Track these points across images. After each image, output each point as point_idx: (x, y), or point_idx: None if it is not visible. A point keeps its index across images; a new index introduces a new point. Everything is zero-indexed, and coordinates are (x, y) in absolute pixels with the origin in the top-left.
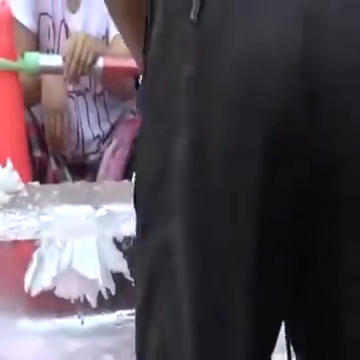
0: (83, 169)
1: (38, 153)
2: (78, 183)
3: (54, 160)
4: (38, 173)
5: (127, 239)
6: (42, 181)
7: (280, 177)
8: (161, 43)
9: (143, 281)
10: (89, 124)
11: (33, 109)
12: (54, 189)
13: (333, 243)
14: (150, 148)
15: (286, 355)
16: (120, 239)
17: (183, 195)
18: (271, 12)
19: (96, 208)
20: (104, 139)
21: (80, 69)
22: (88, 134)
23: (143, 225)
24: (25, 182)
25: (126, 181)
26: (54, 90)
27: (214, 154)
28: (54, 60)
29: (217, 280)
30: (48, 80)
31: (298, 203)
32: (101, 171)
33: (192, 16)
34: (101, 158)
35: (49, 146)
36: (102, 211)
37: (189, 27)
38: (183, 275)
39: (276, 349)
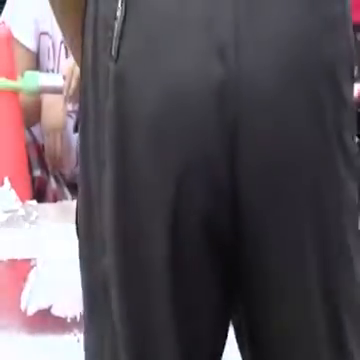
0: None
1: (38, 172)
2: (75, 201)
3: (54, 179)
4: (38, 192)
5: None
6: (42, 200)
7: (194, 210)
8: (89, 73)
9: (84, 314)
10: None
11: (33, 129)
12: (51, 208)
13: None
14: (86, 179)
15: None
16: None
17: (112, 228)
18: (187, 47)
19: None
20: None
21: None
22: None
23: (82, 256)
24: (25, 201)
25: None
26: (53, 110)
27: (135, 187)
28: (54, 80)
29: (143, 310)
30: (47, 100)
31: (215, 241)
32: None
33: (113, 52)
34: None
35: (49, 165)
36: None
37: (110, 61)
38: (118, 310)
39: None
